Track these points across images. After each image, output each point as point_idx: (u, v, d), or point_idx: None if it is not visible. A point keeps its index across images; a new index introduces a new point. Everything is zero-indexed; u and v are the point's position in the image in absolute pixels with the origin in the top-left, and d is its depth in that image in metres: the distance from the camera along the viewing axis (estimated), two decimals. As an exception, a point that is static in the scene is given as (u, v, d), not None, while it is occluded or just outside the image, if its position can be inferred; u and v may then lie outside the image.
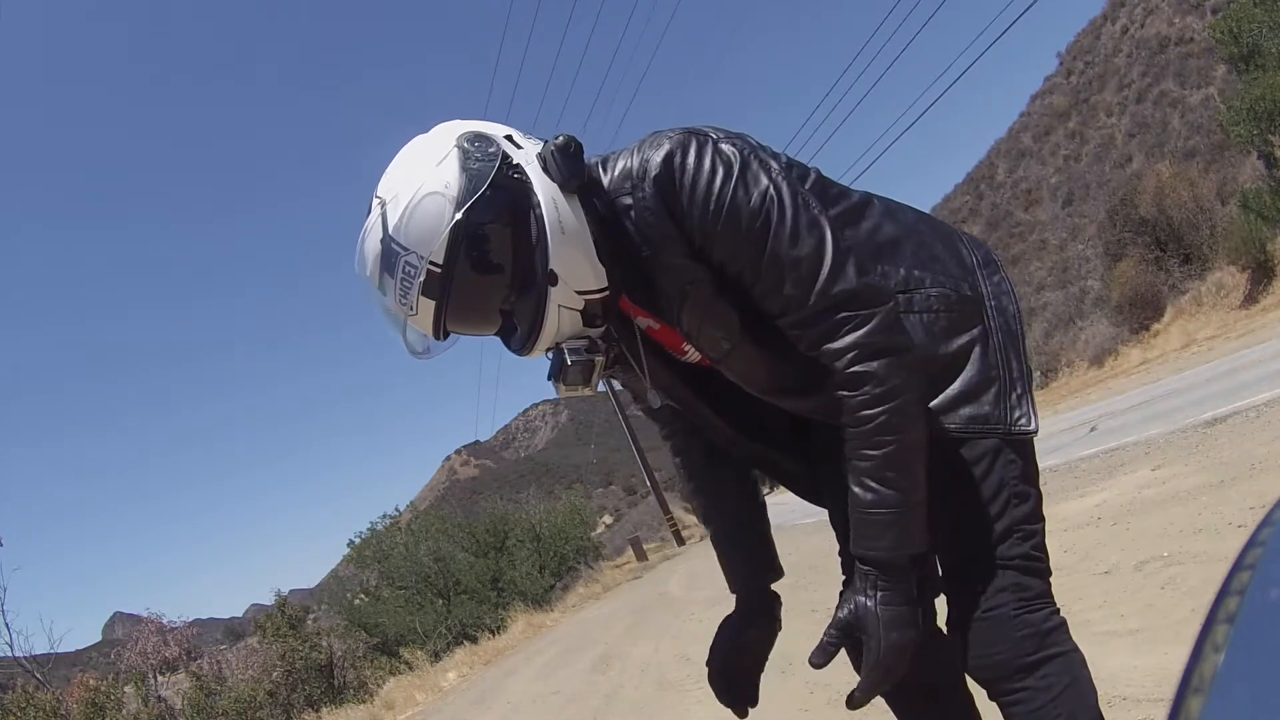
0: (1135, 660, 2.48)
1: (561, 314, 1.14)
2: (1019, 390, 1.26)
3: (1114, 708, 2.23)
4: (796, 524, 10.31)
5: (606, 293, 1.17)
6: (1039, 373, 17.88)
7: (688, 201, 1.12)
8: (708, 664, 1.42)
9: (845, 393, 1.12)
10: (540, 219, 1.11)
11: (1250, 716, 0.41)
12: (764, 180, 1.13)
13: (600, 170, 1.20)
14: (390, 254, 1.09)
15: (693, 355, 1.32)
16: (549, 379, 1.19)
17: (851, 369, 1.11)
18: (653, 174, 1.14)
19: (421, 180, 1.09)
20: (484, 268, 1.12)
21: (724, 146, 1.15)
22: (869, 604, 1.14)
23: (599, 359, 1.19)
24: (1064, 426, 9.29)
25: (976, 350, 1.26)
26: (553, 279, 1.11)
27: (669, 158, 1.14)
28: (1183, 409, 6.69)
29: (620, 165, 1.18)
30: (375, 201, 1.12)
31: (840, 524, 1.45)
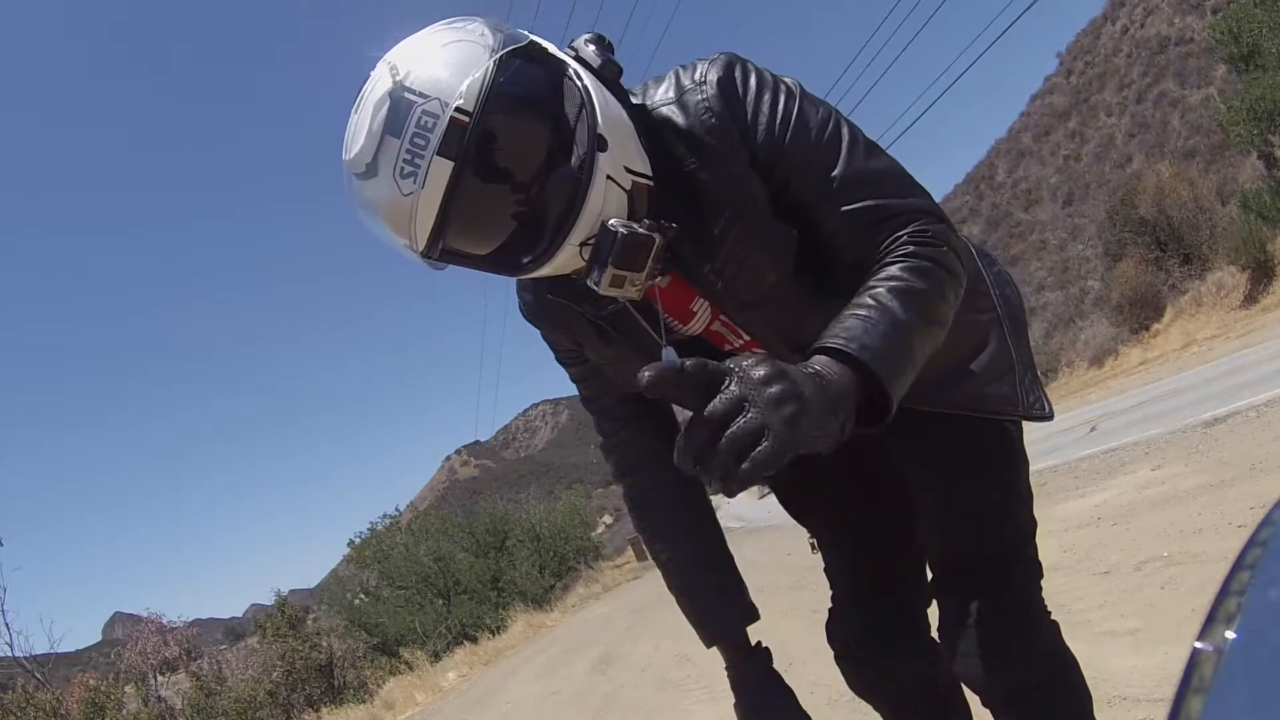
0: (1135, 660, 2.48)
1: (609, 189, 0.94)
2: (1030, 375, 1.26)
3: (1114, 708, 2.23)
4: (796, 523, 10.29)
5: (653, 183, 1.01)
6: (1039, 373, 17.88)
7: (753, 109, 1.03)
8: None
9: (909, 247, 0.98)
10: (583, 88, 0.95)
11: (1250, 716, 0.41)
12: (824, 105, 1.08)
13: (629, 97, 1.09)
14: (401, 106, 0.87)
15: (696, 324, 1.18)
16: (586, 276, 0.95)
17: (929, 247, 0.99)
18: (714, 78, 1.04)
19: (445, 35, 0.92)
20: (522, 128, 0.92)
21: (778, 74, 1.09)
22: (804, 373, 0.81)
23: (657, 239, 0.96)
24: (1064, 426, 9.27)
25: (994, 331, 1.25)
26: (602, 144, 0.93)
27: (730, 66, 1.05)
28: (1183, 409, 6.69)
29: (663, 84, 1.08)
30: (379, 67, 0.92)
31: (828, 541, 1.44)
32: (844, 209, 1.03)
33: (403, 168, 0.86)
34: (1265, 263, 12.24)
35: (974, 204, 35.69)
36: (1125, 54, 31.14)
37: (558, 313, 1.18)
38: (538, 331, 1.28)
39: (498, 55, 0.88)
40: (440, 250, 0.91)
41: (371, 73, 0.91)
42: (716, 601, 1.24)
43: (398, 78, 0.88)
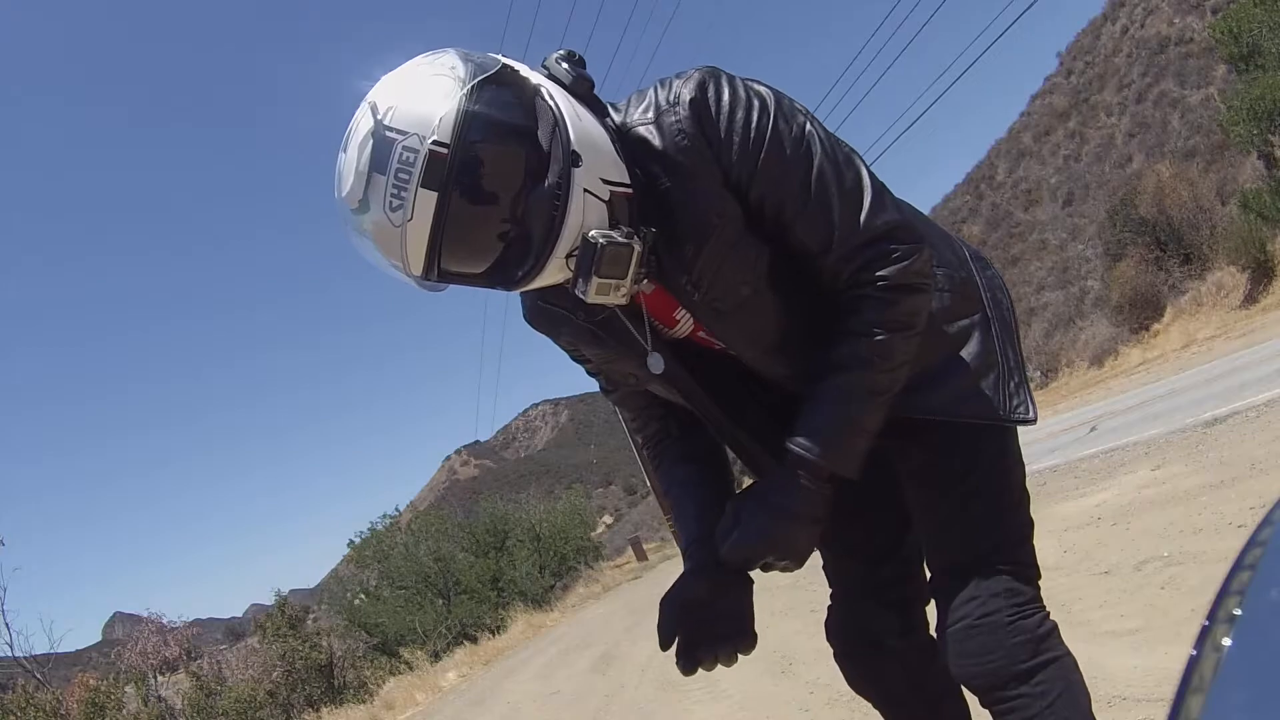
0: (1135, 660, 2.48)
1: (588, 201, 0.99)
2: (1016, 379, 1.26)
3: (1114, 708, 2.23)
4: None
5: (632, 190, 1.06)
6: (1039, 372, 17.88)
7: (726, 129, 1.07)
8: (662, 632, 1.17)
9: (867, 304, 1.10)
10: (555, 107, 1.00)
11: (1250, 716, 0.41)
12: (800, 117, 1.12)
13: (612, 110, 1.13)
14: (383, 144, 0.92)
15: (681, 329, 1.23)
16: (574, 286, 1.01)
17: (889, 290, 1.09)
18: (688, 98, 1.08)
19: (420, 72, 0.98)
20: (498, 152, 0.96)
21: (754, 84, 1.12)
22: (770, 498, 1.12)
23: (636, 246, 1.02)
24: (1064, 426, 9.27)
25: (976, 335, 1.26)
26: (576, 159, 0.98)
27: (703, 85, 1.09)
28: (1183, 409, 6.68)
29: (642, 101, 1.12)
30: (362, 107, 0.98)
31: (825, 538, 1.43)
32: (818, 229, 1.09)
33: (391, 201, 0.92)
34: (1265, 263, 12.22)
35: (974, 204, 35.65)
36: (1125, 54, 31.12)
37: (552, 317, 1.24)
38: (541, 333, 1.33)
39: (468, 85, 0.94)
40: (438, 272, 0.96)
41: (355, 113, 0.98)
42: (697, 508, 1.28)
43: (378, 116, 0.94)
